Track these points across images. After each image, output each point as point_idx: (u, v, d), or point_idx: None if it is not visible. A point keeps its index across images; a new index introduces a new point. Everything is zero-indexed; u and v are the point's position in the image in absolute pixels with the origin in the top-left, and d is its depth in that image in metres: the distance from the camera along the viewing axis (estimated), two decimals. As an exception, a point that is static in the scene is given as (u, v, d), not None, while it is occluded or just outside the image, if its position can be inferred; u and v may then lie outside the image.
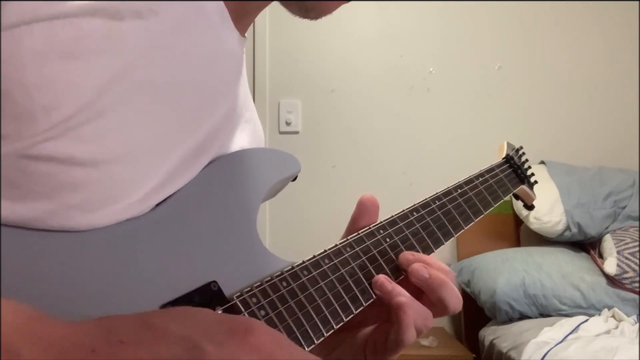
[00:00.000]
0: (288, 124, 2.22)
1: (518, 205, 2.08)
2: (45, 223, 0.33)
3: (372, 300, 0.46)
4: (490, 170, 0.69)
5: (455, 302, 0.47)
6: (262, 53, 2.19)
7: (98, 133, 0.34)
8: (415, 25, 2.26)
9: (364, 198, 0.51)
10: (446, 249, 2.16)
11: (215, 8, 0.42)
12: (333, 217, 1.89)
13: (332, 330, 0.42)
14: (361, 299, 0.45)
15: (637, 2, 2.24)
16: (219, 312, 0.37)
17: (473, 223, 0.60)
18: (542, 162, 2.16)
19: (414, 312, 0.45)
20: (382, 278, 0.47)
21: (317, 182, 2.18)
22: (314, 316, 0.41)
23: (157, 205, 0.40)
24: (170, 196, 0.40)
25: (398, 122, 2.24)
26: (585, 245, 2.02)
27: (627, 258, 1.76)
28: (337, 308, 0.43)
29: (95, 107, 0.33)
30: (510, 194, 0.71)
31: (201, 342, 0.26)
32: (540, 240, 2.04)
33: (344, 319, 0.43)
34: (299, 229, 2.15)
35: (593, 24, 2.27)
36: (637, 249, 1.78)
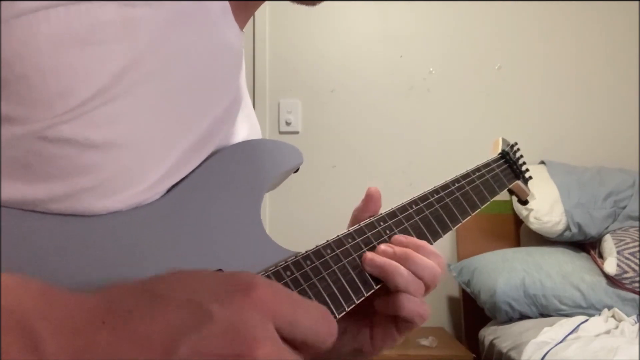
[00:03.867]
0: (288, 124, 2.22)
1: (518, 205, 2.08)
2: (60, 205, 0.34)
3: (373, 290, 0.47)
4: (486, 165, 0.70)
5: (410, 284, 0.47)
6: (262, 53, 2.19)
7: (111, 118, 0.34)
8: (415, 25, 2.26)
9: (372, 189, 0.54)
10: (446, 249, 2.16)
11: (217, 2, 0.43)
12: (333, 217, 1.89)
13: (335, 320, 0.42)
14: (363, 289, 0.46)
15: (637, 2, 2.24)
16: None
17: (470, 217, 0.61)
18: (542, 162, 2.16)
19: (404, 273, 0.47)
20: (369, 254, 0.48)
21: (317, 182, 2.18)
22: None
23: (164, 194, 0.40)
24: (176, 185, 0.41)
25: (398, 122, 2.24)
26: (585, 245, 2.02)
27: (627, 258, 1.76)
28: (340, 298, 0.44)
29: (109, 93, 0.34)
30: (506, 189, 0.72)
31: (207, 304, 0.27)
32: (540, 240, 2.04)
33: (346, 309, 0.44)
34: (298, 229, 2.15)
35: (593, 24, 2.28)
36: (637, 249, 1.78)
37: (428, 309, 0.48)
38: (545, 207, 1.95)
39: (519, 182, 0.76)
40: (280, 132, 2.22)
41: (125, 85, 0.34)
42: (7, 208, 0.32)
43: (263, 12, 2.18)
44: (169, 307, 0.27)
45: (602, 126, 2.27)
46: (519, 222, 2.15)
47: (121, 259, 0.36)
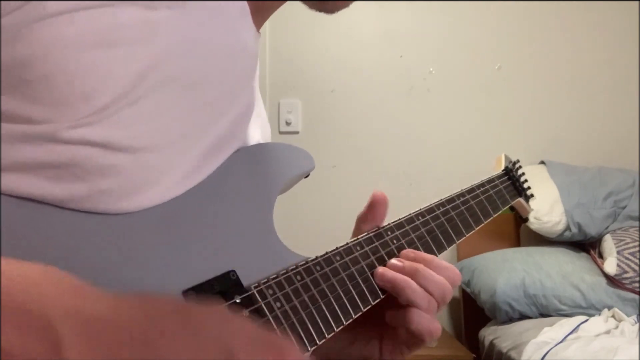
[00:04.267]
0: (288, 124, 2.22)
1: (518, 205, 2.08)
2: (80, 205, 0.34)
3: (379, 299, 0.48)
4: (490, 180, 0.72)
5: (420, 299, 0.47)
6: (262, 53, 2.18)
7: (132, 120, 0.34)
8: (415, 25, 2.26)
9: (378, 194, 0.53)
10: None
11: (237, 3, 0.43)
12: (333, 217, 1.89)
13: (342, 326, 0.44)
14: (369, 298, 0.47)
15: (637, 2, 2.24)
16: (238, 300, 0.39)
17: (473, 231, 0.62)
18: (542, 162, 2.16)
19: (415, 290, 0.47)
20: (381, 269, 0.49)
21: (317, 182, 2.18)
22: (326, 312, 0.43)
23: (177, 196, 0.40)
24: (191, 187, 0.41)
25: (398, 122, 2.24)
26: (585, 245, 2.02)
27: (627, 258, 1.76)
28: (348, 305, 0.45)
29: (131, 95, 0.34)
30: (508, 205, 0.74)
31: (237, 351, 0.27)
32: (540, 240, 2.04)
33: (353, 316, 0.45)
34: (298, 229, 2.15)
35: (593, 24, 2.27)
36: (637, 249, 1.78)
37: (439, 327, 0.48)
38: (545, 207, 1.95)
39: (521, 200, 0.77)
40: (280, 132, 2.22)
41: (147, 87, 0.35)
42: (27, 200, 0.33)
43: (263, 12, 2.17)
44: (200, 339, 0.26)
45: (602, 126, 2.27)
46: (519, 222, 2.15)
47: (133, 258, 0.36)
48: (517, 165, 0.81)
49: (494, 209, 0.68)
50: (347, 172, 2.22)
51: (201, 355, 0.26)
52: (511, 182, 0.77)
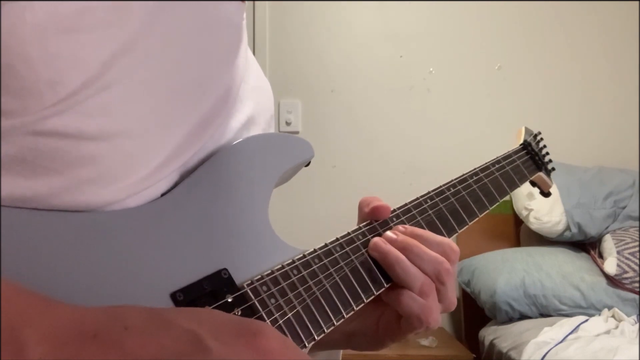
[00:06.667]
0: (288, 124, 2.22)
1: (518, 205, 2.08)
2: (61, 199, 0.33)
3: (383, 289, 0.45)
4: (507, 156, 0.67)
5: (415, 280, 0.44)
6: (262, 53, 2.19)
7: (105, 107, 0.33)
8: (415, 25, 2.26)
9: (384, 206, 0.50)
10: (446, 249, 2.16)
11: None
12: (333, 217, 1.89)
13: (342, 320, 0.42)
14: (372, 287, 0.45)
15: (637, 2, 2.24)
16: (230, 300, 0.37)
17: (488, 211, 0.58)
18: (542, 162, 2.17)
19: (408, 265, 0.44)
20: (376, 239, 0.46)
21: (317, 182, 2.18)
22: (325, 305, 0.41)
23: (168, 191, 0.39)
24: (180, 182, 0.40)
25: (398, 122, 2.24)
26: (585, 245, 2.02)
27: (627, 258, 1.76)
28: (348, 297, 0.43)
29: (101, 81, 0.32)
30: (527, 181, 0.70)
31: (206, 339, 0.26)
32: (540, 240, 2.04)
33: (355, 308, 0.43)
34: (298, 229, 2.14)
35: (593, 24, 2.27)
36: (637, 249, 1.78)
37: (433, 314, 0.44)
38: (545, 207, 1.95)
39: (542, 174, 0.72)
40: (280, 132, 2.22)
41: (118, 71, 0.33)
42: (7, 208, 0.32)
43: (263, 12, 2.18)
44: (167, 331, 0.26)
45: (602, 126, 2.27)
46: (519, 222, 2.15)
47: (121, 258, 0.35)
48: (538, 138, 0.76)
49: (511, 185, 0.63)
50: (347, 172, 2.22)
51: (170, 347, 0.25)
52: (530, 156, 0.71)
